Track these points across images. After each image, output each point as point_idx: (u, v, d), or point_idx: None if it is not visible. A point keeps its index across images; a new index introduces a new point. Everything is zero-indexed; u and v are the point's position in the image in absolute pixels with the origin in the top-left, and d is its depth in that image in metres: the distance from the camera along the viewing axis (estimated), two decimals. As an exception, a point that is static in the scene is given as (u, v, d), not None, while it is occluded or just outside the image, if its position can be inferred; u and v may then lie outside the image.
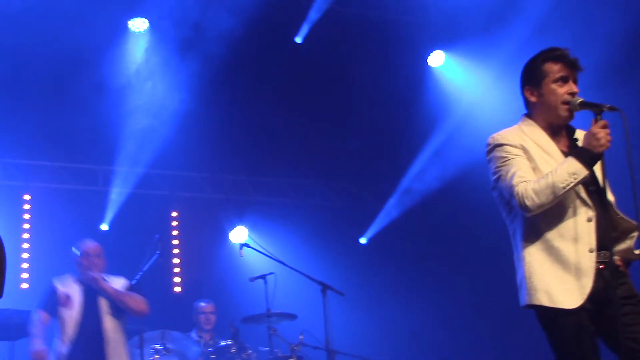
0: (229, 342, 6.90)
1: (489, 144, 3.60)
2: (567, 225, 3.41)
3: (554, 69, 3.54)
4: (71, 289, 6.39)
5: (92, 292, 6.39)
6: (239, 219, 9.09)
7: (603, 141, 3.35)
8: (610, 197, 3.55)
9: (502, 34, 8.08)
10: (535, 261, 3.42)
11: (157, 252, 6.72)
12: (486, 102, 8.57)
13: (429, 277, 9.50)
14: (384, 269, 9.54)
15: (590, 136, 3.38)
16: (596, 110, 3.40)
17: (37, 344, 6.11)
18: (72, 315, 6.27)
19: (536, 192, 3.35)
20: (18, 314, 6.65)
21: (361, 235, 10.10)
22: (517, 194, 3.38)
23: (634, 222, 3.46)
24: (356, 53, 8.57)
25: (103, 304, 6.35)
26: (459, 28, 8.39)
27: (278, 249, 7.53)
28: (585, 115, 3.53)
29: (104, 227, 8.89)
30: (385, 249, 9.73)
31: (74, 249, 6.51)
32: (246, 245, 7.19)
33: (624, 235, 3.52)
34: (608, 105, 3.38)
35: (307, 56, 8.55)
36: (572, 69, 3.54)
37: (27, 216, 8.74)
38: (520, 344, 7.99)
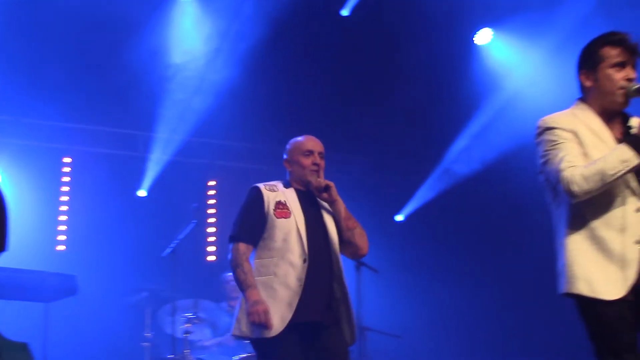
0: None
1: (539, 127, 3.54)
2: (615, 214, 3.35)
3: (612, 54, 3.48)
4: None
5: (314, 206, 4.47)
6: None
7: None
8: None
9: (557, 10, 7.92)
10: (578, 249, 3.37)
11: (194, 220, 6.74)
12: (535, 85, 8.43)
13: (464, 259, 9.45)
14: (420, 248, 9.50)
15: None
16: None
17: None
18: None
19: (584, 178, 3.30)
20: (53, 276, 6.69)
21: (397, 213, 10.05)
22: (565, 178, 3.33)
23: None
24: (401, 28, 8.46)
25: (329, 224, 4.42)
26: (510, 3, 8.22)
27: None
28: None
29: (142, 193, 8.95)
30: (421, 228, 9.69)
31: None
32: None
33: None
34: None
35: (352, 30, 8.50)
36: (632, 54, 3.47)
37: (66, 179, 8.82)
38: (558, 332, 7.91)
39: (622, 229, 3.34)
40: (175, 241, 6.69)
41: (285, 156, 4.50)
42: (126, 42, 7.94)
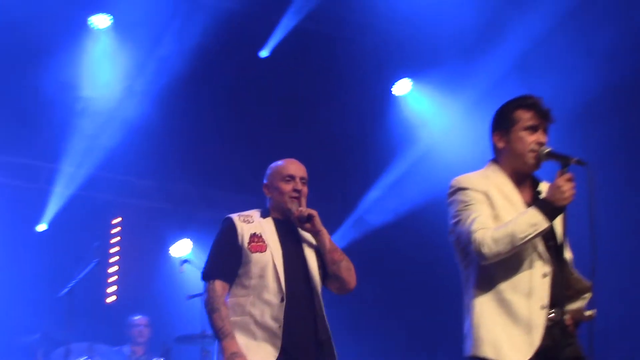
0: (160, 360, 6.77)
1: (451, 186, 3.56)
2: (522, 278, 3.37)
3: (525, 117, 3.51)
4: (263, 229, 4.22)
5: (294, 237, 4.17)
6: (183, 231, 8.91)
7: (567, 194, 3.33)
8: (568, 254, 3.52)
9: (476, 65, 8.05)
10: (484, 311, 3.38)
11: (95, 260, 6.57)
12: (451, 139, 8.53)
13: (373, 309, 9.39)
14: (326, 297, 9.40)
15: (554, 188, 3.35)
16: (563, 162, 3.39)
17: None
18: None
19: (495, 240, 3.31)
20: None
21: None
22: (475, 240, 3.33)
23: (588, 283, 3.48)
24: (319, 74, 8.49)
25: (310, 258, 4.12)
26: (430, 55, 8.34)
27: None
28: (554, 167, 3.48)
29: (42, 227, 8.64)
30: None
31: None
32: (187, 261, 7.09)
33: (577, 295, 3.51)
34: (576, 158, 3.36)
35: (270, 73, 8.46)
36: (544, 118, 3.52)
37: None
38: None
39: (529, 294, 3.35)
40: (74, 280, 6.48)
41: (265, 181, 4.18)
42: (35, 69, 7.73)
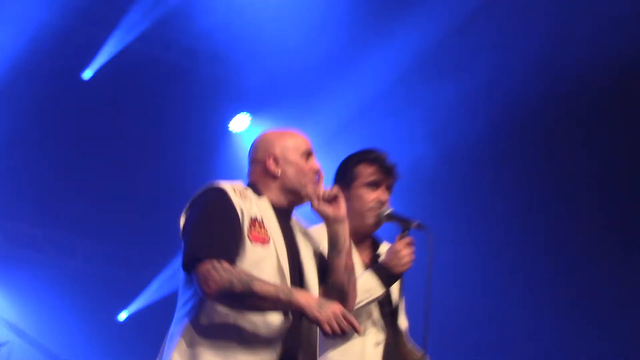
0: None
1: None
2: (354, 346, 3.30)
3: (366, 172, 3.44)
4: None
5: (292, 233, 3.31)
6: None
7: (405, 260, 3.29)
8: (403, 322, 3.48)
9: (320, 108, 7.99)
10: None
11: None
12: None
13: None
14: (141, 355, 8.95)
15: (392, 253, 3.30)
16: (403, 225, 3.33)
17: None
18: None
19: None
20: None
21: (121, 310, 9.43)
22: None
23: (420, 354, 3.39)
24: (150, 102, 8.18)
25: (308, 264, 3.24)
26: (271, 91, 8.26)
27: (23, 315, 6.84)
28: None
29: None
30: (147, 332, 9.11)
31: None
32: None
33: None
34: (417, 222, 3.31)
35: (92, 97, 8.07)
36: (387, 174, 3.44)
37: None
38: None
39: None
40: None
41: (272, 152, 3.10)
42: None
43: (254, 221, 2.91)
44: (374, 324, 3.35)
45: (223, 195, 2.91)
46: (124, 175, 8.53)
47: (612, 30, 7.08)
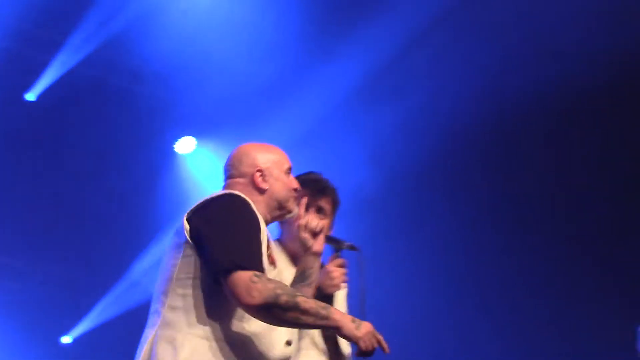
0: None
1: None
2: None
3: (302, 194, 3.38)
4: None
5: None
6: None
7: (337, 281, 3.31)
8: (346, 347, 3.46)
9: (267, 131, 8.00)
10: None
11: None
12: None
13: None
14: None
15: (324, 274, 3.31)
16: (336, 246, 3.37)
17: None
18: None
19: None
20: None
21: (66, 333, 9.31)
22: None
23: None
24: (93, 123, 8.10)
25: None
26: (217, 114, 8.27)
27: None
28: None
29: None
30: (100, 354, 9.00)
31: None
32: None
33: None
34: (348, 244, 3.35)
35: (35, 119, 7.98)
36: (315, 197, 3.47)
37: None
38: None
39: None
40: None
41: (259, 166, 3.06)
42: None
43: (268, 240, 2.91)
44: (315, 346, 3.35)
45: (246, 204, 2.87)
46: (67, 198, 8.42)
47: (552, 55, 7.25)
